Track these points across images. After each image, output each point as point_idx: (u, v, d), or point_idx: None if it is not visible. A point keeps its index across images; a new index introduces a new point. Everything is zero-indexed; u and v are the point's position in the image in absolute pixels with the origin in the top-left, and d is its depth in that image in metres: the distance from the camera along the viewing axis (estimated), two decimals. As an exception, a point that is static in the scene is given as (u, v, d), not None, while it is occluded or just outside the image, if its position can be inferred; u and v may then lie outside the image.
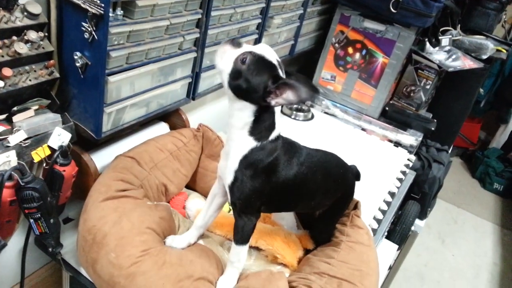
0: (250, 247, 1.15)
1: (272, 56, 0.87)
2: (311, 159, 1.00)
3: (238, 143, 0.91)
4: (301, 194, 1.04)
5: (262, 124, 0.90)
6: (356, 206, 1.26)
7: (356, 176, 1.20)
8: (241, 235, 0.97)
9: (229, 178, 0.93)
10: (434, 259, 2.94)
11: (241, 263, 1.00)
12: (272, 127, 0.91)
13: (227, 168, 0.93)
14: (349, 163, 1.19)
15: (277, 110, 0.92)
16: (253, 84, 0.84)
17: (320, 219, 1.19)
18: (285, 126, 1.98)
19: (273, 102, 0.85)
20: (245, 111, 0.88)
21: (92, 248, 1.00)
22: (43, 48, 0.96)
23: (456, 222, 3.38)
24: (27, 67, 0.94)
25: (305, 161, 0.99)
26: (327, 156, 1.09)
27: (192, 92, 1.39)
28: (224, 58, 0.87)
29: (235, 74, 0.85)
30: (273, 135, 0.92)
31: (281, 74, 0.87)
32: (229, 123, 0.92)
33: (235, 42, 0.88)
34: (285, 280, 1.00)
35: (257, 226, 1.02)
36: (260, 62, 0.85)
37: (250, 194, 0.93)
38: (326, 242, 1.19)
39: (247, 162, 0.91)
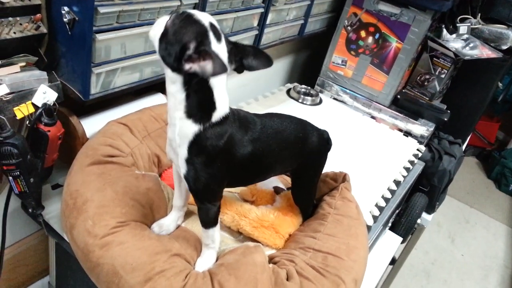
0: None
1: (205, 19, 0.77)
2: (266, 132, 0.92)
3: (180, 128, 0.82)
4: (259, 169, 0.97)
5: (195, 101, 0.79)
6: (344, 178, 1.20)
7: (327, 141, 1.09)
8: (208, 220, 0.92)
9: (182, 168, 0.85)
10: (442, 257, 2.86)
11: (216, 243, 0.95)
12: (211, 106, 0.81)
13: (178, 156, 0.86)
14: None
15: (219, 87, 0.81)
16: (173, 43, 0.75)
17: (292, 188, 1.13)
18: (292, 110, 1.94)
19: (187, 67, 0.75)
20: (175, 84, 0.79)
21: (72, 213, 0.96)
22: (29, 0, 0.93)
23: (468, 222, 3.28)
24: (10, 19, 0.90)
25: (260, 136, 0.91)
26: (283, 123, 0.99)
27: (191, 63, 1.33)
28: (157, 26, 0.78)
29: (162, 37, 0.76)
30: (216, 116, 0.82)
31: (212, 39, 0.77)
32: (167, 106, 0.85)
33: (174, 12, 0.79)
34: (262, 253, 0.95)
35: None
36: (186, 22, 0.75)
37: (208, 182, 0.86)
38: (308, 211, 1.15)
39: (196, 150, 0.82)
